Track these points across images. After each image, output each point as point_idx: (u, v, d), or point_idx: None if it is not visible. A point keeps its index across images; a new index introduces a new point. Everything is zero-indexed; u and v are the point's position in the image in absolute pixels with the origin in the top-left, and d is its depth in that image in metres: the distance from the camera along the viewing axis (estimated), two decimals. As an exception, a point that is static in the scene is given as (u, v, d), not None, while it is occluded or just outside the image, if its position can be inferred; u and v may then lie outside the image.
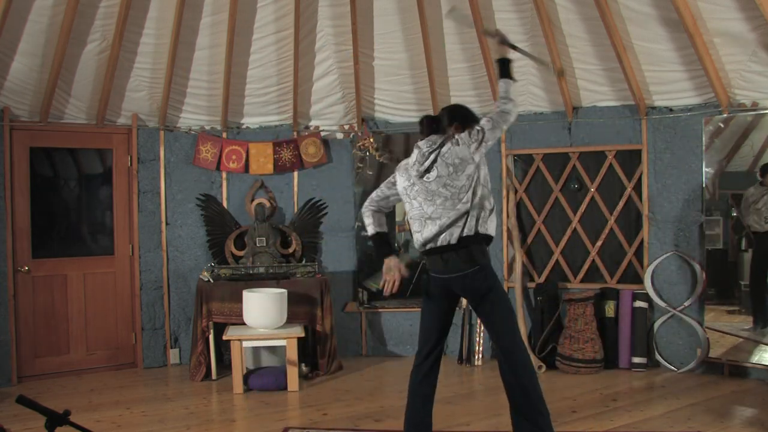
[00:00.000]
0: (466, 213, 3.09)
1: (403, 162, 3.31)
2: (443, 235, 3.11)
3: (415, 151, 3.21)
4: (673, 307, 5.28)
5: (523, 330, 5.47)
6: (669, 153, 5.33)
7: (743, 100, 5.01)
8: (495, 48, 3.51)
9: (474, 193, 3.10)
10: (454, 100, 5.85)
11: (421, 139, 3.22)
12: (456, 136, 3.16)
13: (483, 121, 3.18)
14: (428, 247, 3.17)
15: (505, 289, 5.74)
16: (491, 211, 3.18)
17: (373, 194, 3.43)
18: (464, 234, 3.09)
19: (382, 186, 3.42)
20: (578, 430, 3.92)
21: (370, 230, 3.38)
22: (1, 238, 5.04)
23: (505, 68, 3.33)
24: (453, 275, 3.12)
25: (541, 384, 3.13)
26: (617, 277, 5.54)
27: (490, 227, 3.17)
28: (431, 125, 3.25)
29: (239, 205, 5.85)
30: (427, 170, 3.13)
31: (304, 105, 5.86)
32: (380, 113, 6.03)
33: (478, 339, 5.62)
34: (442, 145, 3.14)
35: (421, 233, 3.18)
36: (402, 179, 3.26)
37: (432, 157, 3.13)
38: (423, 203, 3.16)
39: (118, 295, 5.59)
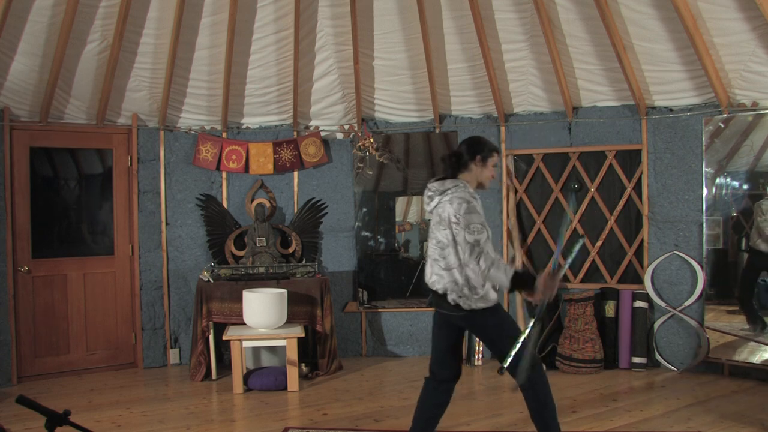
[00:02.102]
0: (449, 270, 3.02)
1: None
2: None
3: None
4: (673, 307, 5.28)
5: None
6: (669, 153, 5.33)
7: (743, 100, 5.01)
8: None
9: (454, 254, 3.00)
10: (454, 100, 5.85)
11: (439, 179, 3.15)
12: (454, 194, 3.01)
13: (460, 219, 2.95)
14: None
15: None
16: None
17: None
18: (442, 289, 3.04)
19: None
20: (578, 430, 3.92)
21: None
22: (1, 238, 5.04)
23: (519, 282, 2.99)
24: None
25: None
26: (617, 277, 5.54)
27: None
28: (450, 161, 3.15)
29: (239, 205, 5.86)
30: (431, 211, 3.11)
31: (304, 105, 5.86)
32: (380, 113, 6.02)
33: (478, 339, 5.62)
34: (443, 193, 3.04)
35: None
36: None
37: (436, 200, 3.07)
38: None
39: (118, 295, 5.58)
